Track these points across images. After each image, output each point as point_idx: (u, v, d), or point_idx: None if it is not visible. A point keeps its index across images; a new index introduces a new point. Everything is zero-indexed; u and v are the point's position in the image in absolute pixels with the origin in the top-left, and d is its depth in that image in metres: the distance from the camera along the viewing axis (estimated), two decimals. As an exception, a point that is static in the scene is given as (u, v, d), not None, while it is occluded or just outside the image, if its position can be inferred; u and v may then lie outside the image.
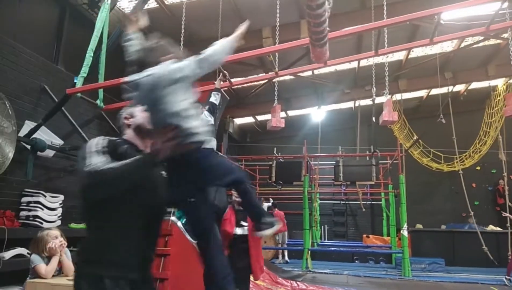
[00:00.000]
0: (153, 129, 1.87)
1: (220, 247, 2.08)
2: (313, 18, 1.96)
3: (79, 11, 6.11)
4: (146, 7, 6.63)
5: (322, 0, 1.94)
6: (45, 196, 5.03)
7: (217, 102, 3.75)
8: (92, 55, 4.36)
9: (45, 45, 5.74)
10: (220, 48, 2.02)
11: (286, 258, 10.59)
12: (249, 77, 9.74)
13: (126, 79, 1.92)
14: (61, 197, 5.24)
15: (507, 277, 7.71)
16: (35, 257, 3.23)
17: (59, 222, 5.13)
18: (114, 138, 1.86)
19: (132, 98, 1.93)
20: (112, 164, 1.66)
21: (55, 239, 3.30)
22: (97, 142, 1.74)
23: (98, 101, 4.53)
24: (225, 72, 4.22)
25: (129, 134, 1.92)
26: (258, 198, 2.73)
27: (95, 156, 1.67)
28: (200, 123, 1.92)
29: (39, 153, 4.98)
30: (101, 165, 1.63)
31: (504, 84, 10.78)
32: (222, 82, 4.17)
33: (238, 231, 3.43)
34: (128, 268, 1.68)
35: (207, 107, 3.71)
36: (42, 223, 4.83)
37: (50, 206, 5.06)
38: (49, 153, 5.25)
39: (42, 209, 4.95)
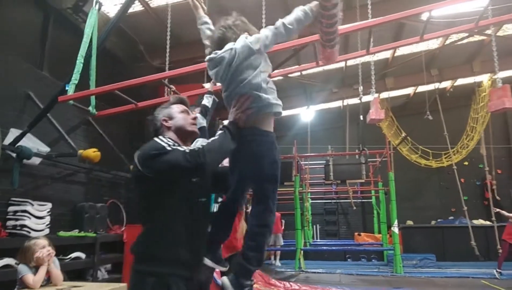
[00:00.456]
0: (234, 100, 1.84)
1: None
2: (327, 18, 1.91)
3: (63, 16, 6.03)
4: (131, 10, 6.58)
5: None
6: (32, 205, 4.93)
7: (209, 105, 3.73)
8: (82, 61, 4.29)
9: (30, 51, 5.65)
10: (293, 19, 1.93)
11: (278, 262, 10.48)
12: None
13: (209, 56, 1.91)
14: (49, 205, 5.16)
15: (498, 270, 7.81)
16: (22, 267, 3.18)
17: (47, 231, 5.05)
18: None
19: (214, 74, 1.90)
20: (207, 141, 1.69)
21: (43, 249, 3.25)
22: (163, 141, 1.71)
23: (90, 108, 4.46)
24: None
25: (171, 136, 1.85)
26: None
27: (178, 147, 1.67)
28: (275, 97, 1.88)
29: (25, 161, 4.89)
30: (197, 147, 1.64)
31: (489, 80, 10.93)
32: (214, 85, 4.15)
33: (215, 208, 3.39)
34: (187, 266, 1.69)
35: (198, 109, 3.68)
36: (30, 232, 4.74)
37: (37, 215, 4.97)
38: (36, 160, 5.16)
39: (30, 218, 4.85)
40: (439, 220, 12.05)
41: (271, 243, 10.46)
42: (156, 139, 1.73)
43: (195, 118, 1.93)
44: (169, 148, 1.64)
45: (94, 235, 5.68)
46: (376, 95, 6.11)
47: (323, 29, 2.03)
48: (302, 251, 9.41)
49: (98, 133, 6.47)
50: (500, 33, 9.17)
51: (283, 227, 11.15)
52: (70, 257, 5.13)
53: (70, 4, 5.99)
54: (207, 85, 4.10)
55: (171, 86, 4.37)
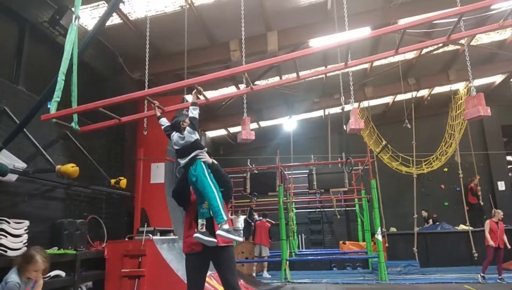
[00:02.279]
0: None
1: None
2: None
3: (39, 30, 5.94)
4: (110, 23, 6.54)
5: None
6: (8, 223, 4.78)
7: (197, 116, 3.70)
8: (64, 78, 4.20)
9: (5, 65, 5.53)
10: None
11: (266, 273, 10.36)
12: (223, 91, 9.79)
13: None
14: (26, 222, 5.01)
15: (482, 274, 7.89)
16: (11, 286, 3.14)
17: (24, 249, 4.89)
18: None
19: None
20: None
21: (36, 271, 3.32)
22: None
23: (73, 124, 4.37)
24: (199, 88, 4.15)
25: None
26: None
27: None
28: None
29: (0, 178, 4.75)
30: None
31: (465, 88, 11.25)
32: (197, 97, 4.09)
33: None
34: None
35: (188, 121, 3.63)
36: (6, 251, 4.60)
37: (14, 233, 4.82)
38: (12, 177, 5.01)
39: (6, 237, 4.70)
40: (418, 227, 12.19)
41: (255, 255, 10.39)
42: None
43: None
44: None
45: (74, 252, 5.54)
46: (355, 105, 6.18)
47: None
48: (287, 262, 9.37)
49: (77, 147, 6.34)
50: (473, 43, 9.48)
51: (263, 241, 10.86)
52: (49, 276, 4.97)
53: (46, 17, 5.91)
54: (188, 97, 4.06)
55: (155, 101, 4.32)
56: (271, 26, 7.59)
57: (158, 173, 7.56)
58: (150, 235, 6.00)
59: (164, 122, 3.84)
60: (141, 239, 5.92)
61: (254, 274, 10.18)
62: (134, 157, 7.55)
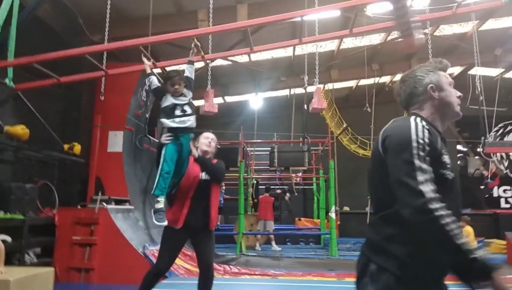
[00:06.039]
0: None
1: None
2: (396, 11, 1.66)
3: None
4: (69, -21, 6.14)
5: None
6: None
7: (192, 76, 3.60)
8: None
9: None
10: None
11: (274, 246, 10.54)
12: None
13: None
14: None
15: None
16: None
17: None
18: (424, 122, 1.39)
19: None
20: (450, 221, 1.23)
21: None
22: (419, 132, 1.32)
23: (7, 80, 4.04)
24: (197, 43, 4.02)
25: (428, 112, 1.48)
26: None
27: (423, 172, 1.26)
28: None
29: None
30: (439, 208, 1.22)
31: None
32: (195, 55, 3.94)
33: (204, 176, 3.40)
34: None
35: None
36: None
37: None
38: (-45, 136, 4.72)
39: None
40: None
41: (258, 228, 10.48)
42: (412, 124, 1.35)
43: (459, 96, 1.55)
44: (417, 162, 1.27)
45: (22, 217, 5.34)
46: (320, 85, 6.26)
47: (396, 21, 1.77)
48: (244, 235, 9.54)
49: (29, 109, 6.02)
50: (436, 33, 9.76)
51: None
52: (-6, 241, 4.79)
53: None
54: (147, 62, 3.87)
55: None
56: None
57: (116, 142, 7.34)
58: (104, 204, 5.89)
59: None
60: (94, 207, 5.80)
61: (258, 247, 10.30)
62: (91, 124, 7.28)
